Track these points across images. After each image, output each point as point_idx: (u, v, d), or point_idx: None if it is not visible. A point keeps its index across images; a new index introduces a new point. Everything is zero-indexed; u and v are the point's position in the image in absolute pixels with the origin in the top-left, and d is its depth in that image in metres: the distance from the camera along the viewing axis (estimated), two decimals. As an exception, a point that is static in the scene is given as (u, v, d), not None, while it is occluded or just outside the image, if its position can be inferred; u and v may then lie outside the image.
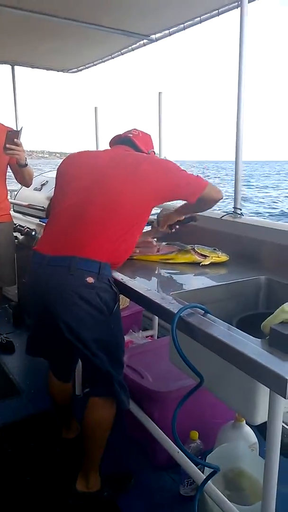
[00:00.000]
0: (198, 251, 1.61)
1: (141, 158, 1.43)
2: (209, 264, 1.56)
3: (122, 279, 1.34)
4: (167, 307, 1.07)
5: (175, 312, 0.99)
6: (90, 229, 1.30)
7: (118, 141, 1.58)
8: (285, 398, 0.75)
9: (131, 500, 1.49)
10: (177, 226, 1.75)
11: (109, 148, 1.60)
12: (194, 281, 1.42)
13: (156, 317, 2.39)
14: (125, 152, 1.50)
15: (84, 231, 1.30)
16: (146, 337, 2.18)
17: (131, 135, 1.57)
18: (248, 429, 1.47)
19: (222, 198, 1.51)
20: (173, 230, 1.75)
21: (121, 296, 1.37)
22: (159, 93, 2.22)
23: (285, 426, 1.35)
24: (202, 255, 1.60)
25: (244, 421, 1.47)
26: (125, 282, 1.31)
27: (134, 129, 1.62)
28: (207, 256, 1.59)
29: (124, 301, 2.29)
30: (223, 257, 1.60)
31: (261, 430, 1.21)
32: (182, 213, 1.72)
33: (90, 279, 1.26)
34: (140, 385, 1.58)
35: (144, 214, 1.40)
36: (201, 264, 1.56)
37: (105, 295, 1.29)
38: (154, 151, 1.64)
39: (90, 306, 1.26)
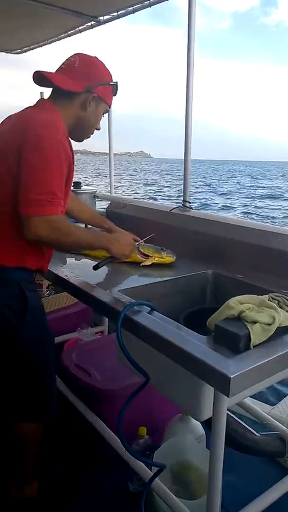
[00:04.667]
0: (142, 251, 1.47)
1: (24, 140, 1.05)
2: (151, 264, 1.42)
3: (66, 275, 1.28)
4: (113, 306, 1.03)
5: (120, 310, 0.96)
6: None
7: (39, 82, 1.17)
8: (228, 396, 0.75)
9: (80, 499, 1.45)
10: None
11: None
12: (140, 278, 1.38)
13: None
14: (26, 122, 1.08)
15: None
16: (96, 333, 2.13)
17: (62, 69, 1.15)
18: (195, 422, 1.49)
19: (65, 245, 1.19)
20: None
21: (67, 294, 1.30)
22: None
23: (231, 415, 1.38)
24: (145, 254, 1.46)
25: (192, 414, 1.48)
26: (69, 280, 1.25)
27: (74, 55, 1.18)
28: (150, 256, 1.45)
29: (71, 297, 2.21)
30: (167, 258, 1.46)
31: (208, 422, 1.23)
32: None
33: None
34: (88, 384, 1.53)
35: None
36: (141, 264, 1.42)
37: (7, 301, 1.11)
38: (106, 84, 1.19)
39: None
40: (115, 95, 1.25)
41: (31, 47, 2.90)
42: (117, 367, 1.54)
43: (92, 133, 1.28)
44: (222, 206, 16.30)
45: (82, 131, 1.23)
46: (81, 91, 1.16)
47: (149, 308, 1.01)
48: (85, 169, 45.61)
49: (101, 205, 2.50)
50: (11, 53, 3.06)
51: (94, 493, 1.49)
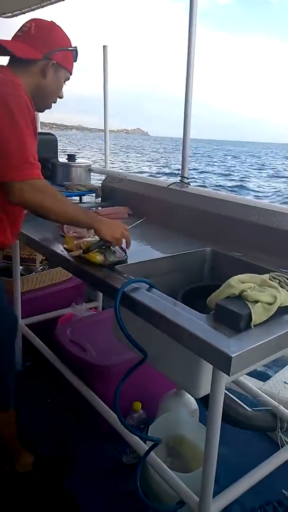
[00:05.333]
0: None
1: None
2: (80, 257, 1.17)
3: (62, 251, 1.24)
4: (110, 283, 1.01)
5: (118, 288, 0.93)
6: None
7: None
8: (229, 375, 0.74)
9: (75, 472, 1.48)
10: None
11: None
12: (136, 255, 1.35)
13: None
14: None
15: None
16: (90, 309, 2.12)
17: (18, 36, 1.09)
18: (189, 397, 1.50)
19: (49, 210, 1.04)
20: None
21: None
22: (104, 46, 2.03)
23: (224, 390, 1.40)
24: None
25: (186, 389, 1.50)
26: (65, 255, 1.21)
27: (29, 21, 1.11)
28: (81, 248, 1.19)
29: (65, 272, 2.19)
30: (91, 256, 1.13)
31: (202, 397, 1.25)
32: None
33: None
34: (83, 359, 1.53)
35: None
36: (69, 253, 1.22)
37: None
38: (65, 49, 1.13)
39: None
40: (75, 61, 1.19)
41: (22, 11, 2.73)
42: (113, 343, 1.54)
43: (55, 102, 1.22)
44: (234, 186, 16.14)
45: (43, 99, 1.17)
46: (39, 58, 1.09)
47: (147, 285, 0.99)
48: (89, 145, 44.19)
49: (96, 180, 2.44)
50: (1, 17, 2.88)
51: (88, 466, 1.51)
